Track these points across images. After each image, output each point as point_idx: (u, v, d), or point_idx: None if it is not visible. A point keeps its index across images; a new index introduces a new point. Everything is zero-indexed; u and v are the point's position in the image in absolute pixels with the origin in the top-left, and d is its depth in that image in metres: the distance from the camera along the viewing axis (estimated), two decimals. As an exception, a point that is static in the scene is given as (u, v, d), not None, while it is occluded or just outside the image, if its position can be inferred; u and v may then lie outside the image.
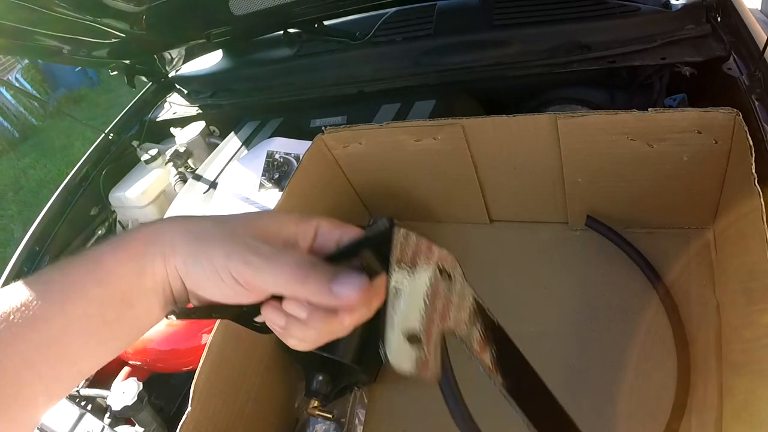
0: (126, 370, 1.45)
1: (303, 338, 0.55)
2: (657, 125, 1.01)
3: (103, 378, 1.44)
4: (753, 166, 0.83)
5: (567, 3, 1.77)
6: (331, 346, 1.08)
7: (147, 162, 2.02)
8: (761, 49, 1.34)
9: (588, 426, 0.99)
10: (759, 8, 5.38)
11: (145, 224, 0.57)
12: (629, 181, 1.13)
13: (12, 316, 0.50)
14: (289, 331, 0.55)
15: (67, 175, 2.03)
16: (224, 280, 0.52)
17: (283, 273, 0.52)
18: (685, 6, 1.59)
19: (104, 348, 0.55)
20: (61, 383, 0.53)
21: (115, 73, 2.15)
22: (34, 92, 8.35)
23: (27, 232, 1.85)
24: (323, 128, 1.22)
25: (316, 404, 1.11)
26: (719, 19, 1.56)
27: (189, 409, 0.92)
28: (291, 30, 2.06)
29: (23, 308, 0.50)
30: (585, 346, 1.10)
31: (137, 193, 1.98)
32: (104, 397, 1.32)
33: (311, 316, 0.53)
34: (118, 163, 2.13)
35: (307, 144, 1.56)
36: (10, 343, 0.49)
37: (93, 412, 1.29)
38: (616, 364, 1.05)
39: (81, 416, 1.27)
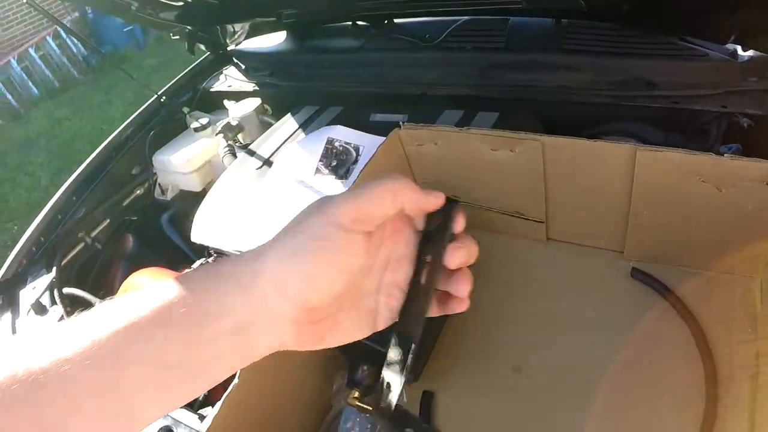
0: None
1: None
2: (730, 171, 1.02)
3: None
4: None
5: (637, 38, 1.77)
6: (380, 338, 1.09)
7: (196, 130, 2.03)
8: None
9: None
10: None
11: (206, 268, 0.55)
12: (692, 221, 1.14)
13: (66, 354, 0.46)
14: None
15: (103, 130, 2.04)
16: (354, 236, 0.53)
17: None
18: (751, 58, 1.60)
19: (165, 400, 0.51)
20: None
21: (177, 37, 2.16)
22: (80, 46, 8.40)
23: (62, 181, 1.87)
24: (401, 123, 1.22)
25: (356, 395, 1.10)
26: (783, 76, 1.57)
27: (236, 381, 0.93)
28: (360, 22, 2.07)
29: (85, 350, 0.47)
30: (619, 378, 1.11)
31: (183, 160, 1.99)
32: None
33: None
34: (166, 126, 2.14)
35: (369, 137, 1.57)
36: (58, 384, 0.45)
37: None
38: (646, 404, 1.06)
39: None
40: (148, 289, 0.51)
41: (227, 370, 0.53)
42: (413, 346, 0.58)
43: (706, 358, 1.08)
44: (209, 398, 1.18)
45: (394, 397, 0.58)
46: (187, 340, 0.49)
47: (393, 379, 0.59)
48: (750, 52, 1.62)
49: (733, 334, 1.11)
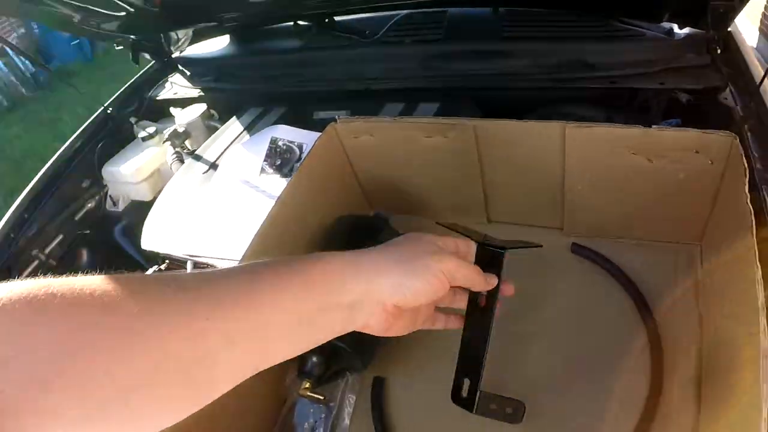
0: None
1: None
2: (659, 142, 1.04)
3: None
4: (746, 186, 0.86)
5: (575, 22, 1.81)
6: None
7: (144, 139, 2.02)
8: (758, 83, 1.38)
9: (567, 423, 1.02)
10: (755, 46, 5.47)
11: (334, 254, 0.70)
12: (626, 194, 1.16)
13: (221, 299, 0.56)
14: None
15: (55, 148, 2.03)
16: (434, 278, 0.72)
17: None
18: (687, 36, 1.64)
19: (291, 347, 0.65)
20: (246, 369, 0.61)
21: (120, 47, 2.15)
22: (27, 63, 8.27)
23: (15, 200, 1.85)
24: (337, 117, 1.23)
25: (307, 385, 1.12)
26: (719, 51, 1.60)
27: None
28: (301, 22, 2.08)
29: (233, 293, 0.57)
30: (569, 347, 1.13)
31: (131, 170, 1.97)
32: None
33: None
34: (114, 138, 2.12)
35: (312, 134, 1.58)
36: (215, 321, 0.54)
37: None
38: (596, 366, 1.08)
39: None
40: (280, 260, 0.66)
41: (330, 335, 0.67)
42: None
43: (649, 327, 1.10)
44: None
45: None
46: (321, 303, 0.64)
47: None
48: (686, 30, 1.65)
49: (677, 303, 1.13)
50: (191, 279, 0.57)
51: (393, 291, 0.69)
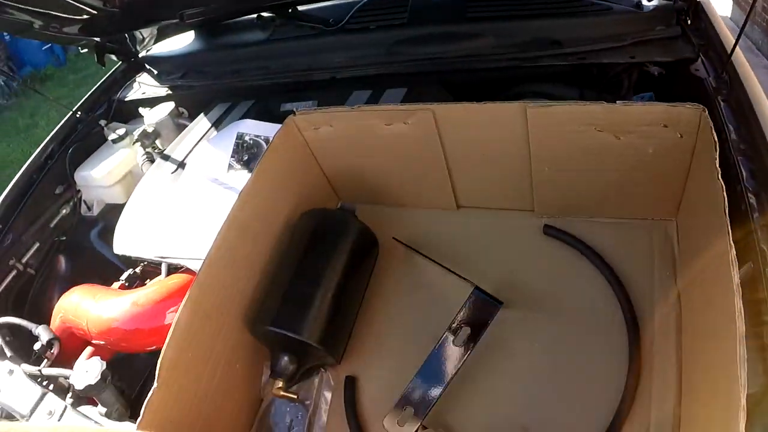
0: (89, 350, 1.45)
1: None
2: (625, 118, 1.03)
3: (66, 358, 1.44)
4: (717, 161, 0.85)
5: (540, -1, 1.79)
6: (296, 326, 1.09)
7: (114, 141, 2.00)
8: (729, 53, 1.37)
9: (545, 406, 1.02)
10: (729, 16, 5.49)
11: None
12: (595, 172, 1.15)
13: None
14: None
15: (31, 155, 2.00)
16: None
17: None
18: (656, 8, 1.63)
19: None
20: None
21: (85, 50, 2.13)
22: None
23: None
24: (294, 110, 1.22)
25: (280, 385, 1.11)
26: (689, 22, 1.59)
27: (155, 385, 0.92)
28: (265, 14, 2.06)
29: None
30: (546, 330, 1.13)
31: (103, 173, 1.95)
32: (66, 377, 1.31)
33: None
34: (85, 142, 2.10)
35: (277, 127, 1.56)
36: None
37: (55, 391, 1.28)
38: (574, 348, 1.08)
39: (43, 396, 1.26)
40: None
41: None
42: None
43: (625, 308, 1.10)
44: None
45: None
46: None
47: None
48: (655, 2, 1.64)
49: (654, 278, 1.13)
50: None
51: None
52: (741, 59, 1.43)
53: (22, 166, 1.96)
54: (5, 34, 8.34)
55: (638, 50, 1.60)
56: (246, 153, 1.59)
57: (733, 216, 1.00)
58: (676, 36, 1.59)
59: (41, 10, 1.69)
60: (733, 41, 1.42)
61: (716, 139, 0.89)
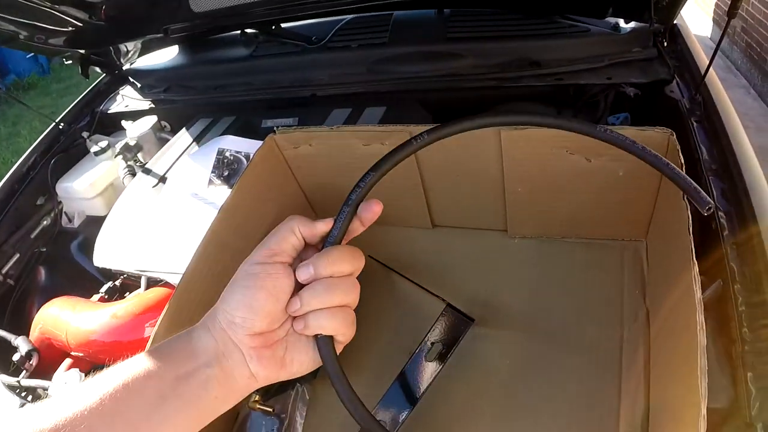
0: (68, 361, 1.45)
1: (335, 319, 0.73)
2: (595, 141, 1.05)
3: (45, 369, 1.44)
4: (684, 182, 0.87)
5: (520, 20, 1.83)
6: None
7: (96, 154, 2.01)
8: (702, 75, 1.40)
9: (515, 422, 1.04)
10: (709, 36, 5.57)
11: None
12: (567, 194, 1.17)
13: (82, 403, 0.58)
14: (324, 318, 0.71)
15: (13, 163, 2.01)
16: (268, 277, 0.69)
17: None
18: (633, 30, 1.66)
19: (166, 425, 0.62)
20: None
21: (70, 62, 2.14)
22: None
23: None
24: (275, 128, 1.24)
25: (257, 398, 1.12)
26: (665, 44, 1.63)
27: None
28: (248, 30, 2.08)
29: (93, 393, 0.59)
30: (518, 345, 1.14)
31: (85, 185, 1.97)
32: (45, 388, 1.32)
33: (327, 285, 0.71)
34: (67, 153, 2.11)
35: (258, 143, 1.58)
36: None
37: (33, 402, 1.29)
38: (551, 363, 1.09)
39: (21, 406, 1.27)
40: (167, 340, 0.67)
41: (217, 400, 0.66)
42: None
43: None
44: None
45: None
46: (177, 374, 0.62)
47: None
48: (632, 24, 1.68)
49: (624, 297, 1.15)
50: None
51: (238, 318, 0.66)
52: (715, 81, 1.47)
53: (2, 175, 1.97)
54: (-11, 41, 8.34)
55: (615, 71, 1.64)
56: (226, 168, 1.61)
57: (703, 235, 1.03)
58: (652, 58, 1.63)
59: (27, 21, 1.70)
60: (707, 62, 1.46)
61: (683, 161, 0.92)
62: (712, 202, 0.72)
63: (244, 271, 0.70)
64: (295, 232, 0.75)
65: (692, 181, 0.74)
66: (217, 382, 0.65)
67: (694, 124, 1.35)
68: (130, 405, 0.59)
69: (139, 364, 0.62)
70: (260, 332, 0.68)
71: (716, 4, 5.45)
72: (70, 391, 0.59)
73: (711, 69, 1.42)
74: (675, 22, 1.64)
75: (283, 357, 0.71)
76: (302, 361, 0.73)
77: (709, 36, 5.68)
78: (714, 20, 5.57)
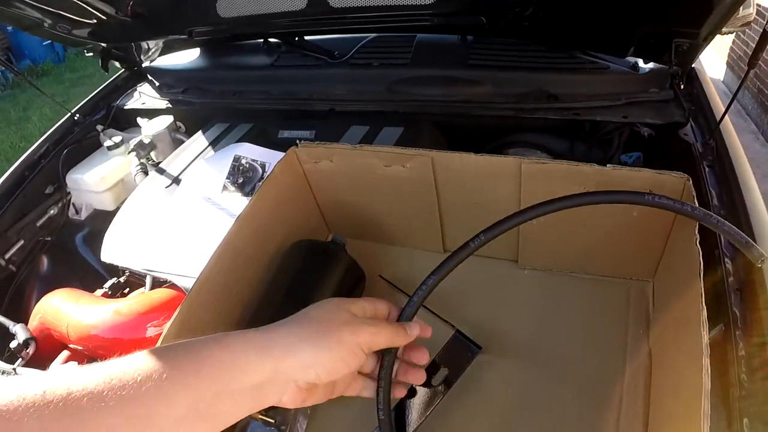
0: (66, 353, 1.45)
1: None
2: (612, 180, 1.06)
3: (42, 359, 1.44)
4: (696, 228, 0.88)
5: (541, 52, 1.84)
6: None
7: (109, 148, 2.02)
8: (718, 121, 1.41)
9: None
10: (721, 79, 5.59)
11: (237, 334, 0.69)
12: (580, 230, 1.18)
13: (107, 392, 0.55)
14: None
15: (21, 148, 2.02)
16: (348, 354, 0.71)
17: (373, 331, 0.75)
18: (651, 70, 1.67)
19: None
20: None
21: (90, 54, 2.15)
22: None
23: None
24: (298, 141, 1.25)
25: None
26: (682, 86, 1.64)
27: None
28: (271, 39, 2.09)
29: (119, 385, 0.56)
30: (523, 374, 1.14)
31: (96, 178, 1.97)
32: (41, 379, 1.31)
33: None
34: (80, 145, 2.12)
35: (275, 153, 1.59)
36: (97, 415, 0.54)
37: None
38: (552, 395, 1.09)
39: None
40: (181, 344, 0.64)
41: (239, 417, 0.66)
42: None
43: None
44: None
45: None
46: (217, 390, 0.62)
47: None
48: (651, 65, 1.69)
49: (628, 335, 1.15)
50: (84, 375, 0.56)
51: (304, 371, 0.68)
52: (729, 128, 1.48)
53: (9, 158, 1.98)
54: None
55: (631, 110, 1.65)
56: (241, 176, 1.62)
57: (708, 279, 1.04)
58: (669, 99, 1.64)
59: (53, 10, 1.71)
60: (723, 108, 1.47)
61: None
62: (765, 254, 0.73)
63: (329, 330, 0.71)
64: (373, 348, 0.77)
65: (745, 236, 0.75)
66: (252, 403, 0.66)
67: (706, 168, 1.36)
68: (159, 413, 0.57)
69: (167, 365, 0.60)
70: (314, 384, 0.71)
71: (731, 48, 5.48)
72: (84, 375, 0.56)
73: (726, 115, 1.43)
74: (692, 65, 1.65)
75: (312, 396, 0.74)
76: (319, 398, 0.76)
77: (722, 79, 5.71)
78: (728, 64, 5.59)
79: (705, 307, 0.77)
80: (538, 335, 1.21)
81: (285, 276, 1.21)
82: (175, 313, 0.98)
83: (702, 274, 0.82)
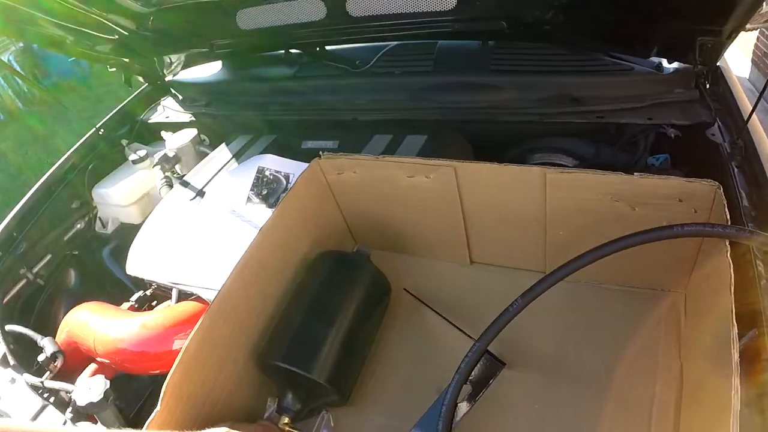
0: (93, 366, 1.45)
1: None
2: (641, 189, 1.05)
3: (69, 372, 1.45)
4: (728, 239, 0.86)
5: (563, 56, 1.81)
6: (307, 364, 1.11)
7: (134, 162, 2.02)
8: (745, 119, 1.39)
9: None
10: (747, 77, 5.51)
11: None
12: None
13: None
14: None
15: (48, 163, 2.03)
16: None
17: None
18: (676, 70, 1.64)
19: None
20: None
21: (113, 69, 2.16)
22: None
23: (5, 216, 1.85)
24: (321, 153, 1.24)
25: (287, 420, 1.12)
26: (708, 86, 1.61)
27: (158, 408, 0.94)
28: (293, 50, 2.09)
29: None
30: (547, 390, 1.13)
31: (121, 193, 1.98)
32: (69, 391, 1.32)
33: None
34: (106, 159, 2.13)
35: (298, 164, 1.58)
36: None
37: (55, 404, 1.29)
38: (580, 412, 1.08)
39: (43, 407, 1.27)
40: None
41: None
42: None
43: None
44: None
45: None
46: None
47: None
48: (675, 64, 1.66)
49: (659, 349, 1.13)
50: None
51: None
52: (757, 126, 1.45)
53: (36, 174, 1.98)
54: (35, 43, 8.44)
55: (656, 112, 1.62)
56: (265, 187, 1.62)
57: (740, 283, 1.02)
58: (694, 99, 1.61)
59: (76, 27, 1.73)
60: (750, 107, 1.44)
61: (728, 217, 0.91)
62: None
63: None
64: None
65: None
66: None
67: (735, 169, 1.33)
68: None
69: None
70: None
71: (755, 45, 5.39)
72: None
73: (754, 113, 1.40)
74: (717, 63, 1.62)
75: None
76: None
77: (747, 77, 5.62)
78: (753, 61, 5.51)
79: (735, 325, 0.76)
80: (564, 349, 1.19)
81: (310, 287, 1.21)
82: (196, 327, 0.98)
83: (732, 288, 0.80)
